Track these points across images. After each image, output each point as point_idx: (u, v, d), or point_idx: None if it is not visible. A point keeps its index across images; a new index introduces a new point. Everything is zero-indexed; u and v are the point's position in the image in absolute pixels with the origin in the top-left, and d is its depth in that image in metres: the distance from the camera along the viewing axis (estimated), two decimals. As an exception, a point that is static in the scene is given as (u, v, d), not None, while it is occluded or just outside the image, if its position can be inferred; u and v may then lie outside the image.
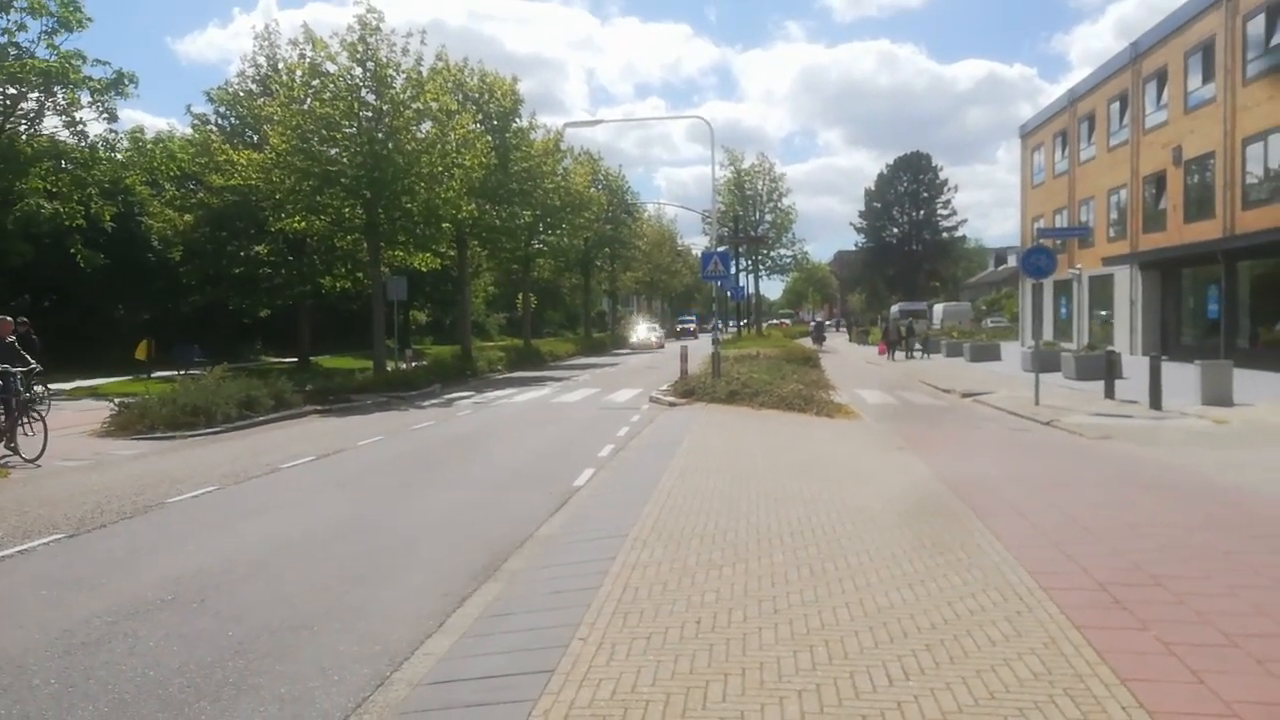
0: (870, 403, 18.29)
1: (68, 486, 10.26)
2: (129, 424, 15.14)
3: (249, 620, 5.46)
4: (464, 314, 37.81)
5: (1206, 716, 3.59)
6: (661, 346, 52.70)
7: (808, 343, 43.67)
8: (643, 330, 60.38)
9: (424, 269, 31.18)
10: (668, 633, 4.67)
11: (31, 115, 25.66)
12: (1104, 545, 6.24)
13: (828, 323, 76.32)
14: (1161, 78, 29.71)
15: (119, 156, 29.03)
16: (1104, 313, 34.23)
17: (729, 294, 48.00)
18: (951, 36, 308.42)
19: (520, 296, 52.58)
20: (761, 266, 62.92)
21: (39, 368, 12.95)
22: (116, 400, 16.45)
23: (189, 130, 35.52)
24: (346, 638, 5.15)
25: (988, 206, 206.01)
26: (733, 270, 40.39)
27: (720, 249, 24.72)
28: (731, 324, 59.18)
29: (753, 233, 58.59)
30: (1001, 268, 74.29)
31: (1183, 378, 17.21)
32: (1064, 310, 38.96)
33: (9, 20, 24.05)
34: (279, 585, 6.23)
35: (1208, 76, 26.63)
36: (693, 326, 73.94)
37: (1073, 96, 37.45)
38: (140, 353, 26.08)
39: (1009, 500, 7.87)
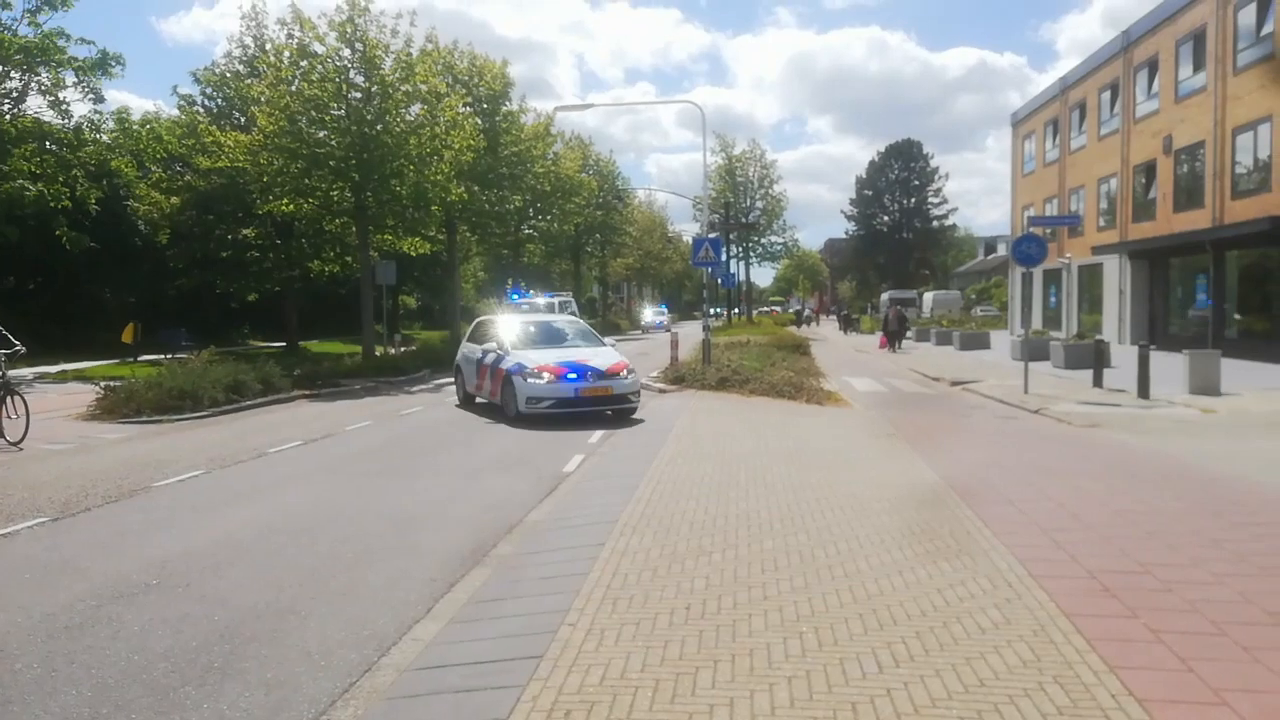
0: (859, 390, 18.30)
1: (52, 470, 10.17)
2: (115, 407, 15.03)
3: (235, 604, 5.41)
4: (454, 299, 37.62)
5: (1195, 704, 3.60)
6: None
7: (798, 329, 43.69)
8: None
9: (413, 253, 31.03)
10: (657, 619, 4.65)
11: (15, 95, 25.38)
12: (1092, 533, 6.25)
13: (810, 311, 75.10)
14: (1152, 66, 29.71)
15: (104, 138, 28.75)
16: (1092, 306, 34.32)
17: (719, 281, 47.79)
18: (942, 24, 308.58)
19: (510, 282, 52.39)
20: (752, 253, 62.86)
21: (23, 350, 12.81)
22: (102, 383, 16.32)
23: (175, 112, 35.26)
24: (333, 622, 5.11)
25: (977, 195, 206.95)
26: (723, 257, 40.07)
27: (711, 235, 24.60)
28: (719, 311, 57.87)
29: (744, 219, 58.46)
30: (991, 256, 74.42)
31: (1171, 367, 17.28)
32: (1053, 299, 39.05)
33: (-8, -2, 23.77)
34: (265, 570, 6.18)
35: (1199, 65, 26.64)
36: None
37: (1064, 85, 37.42)
38: (126, 336, 25.92)
39: (998, 487, 7.88)
